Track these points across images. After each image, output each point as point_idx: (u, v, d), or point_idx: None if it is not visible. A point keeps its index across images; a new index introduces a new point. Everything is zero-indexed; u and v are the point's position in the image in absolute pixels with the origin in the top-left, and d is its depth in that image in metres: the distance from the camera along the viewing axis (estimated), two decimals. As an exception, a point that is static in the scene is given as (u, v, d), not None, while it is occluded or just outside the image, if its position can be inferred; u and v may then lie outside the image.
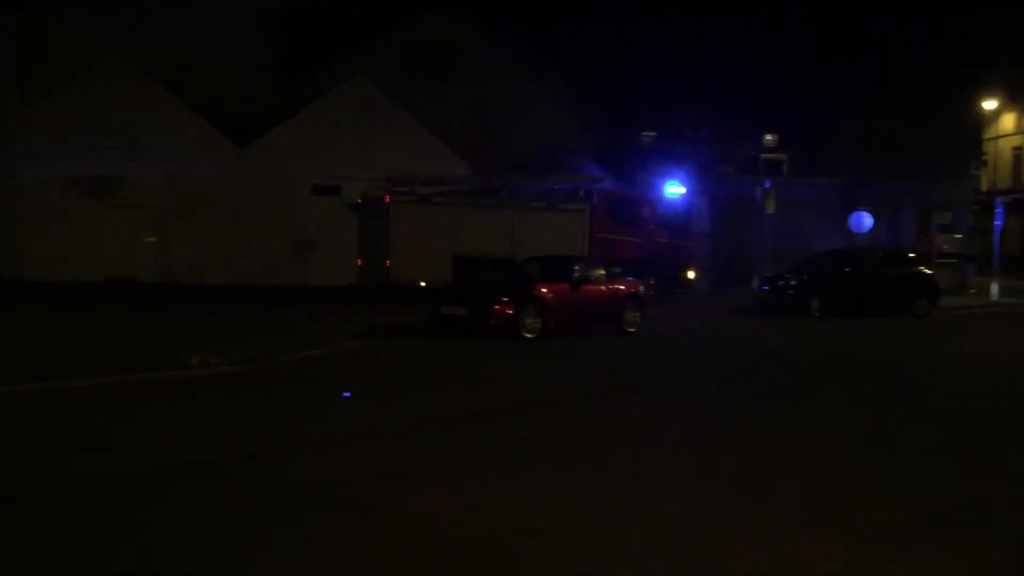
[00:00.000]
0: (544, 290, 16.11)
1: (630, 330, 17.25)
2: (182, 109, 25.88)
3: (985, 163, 56.25)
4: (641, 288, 18.28)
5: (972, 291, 31.77)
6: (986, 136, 56.07)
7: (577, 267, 17.05)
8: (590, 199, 22.99)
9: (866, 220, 30.29)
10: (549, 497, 6.46)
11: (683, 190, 26.63)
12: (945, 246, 37.81)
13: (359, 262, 23.28)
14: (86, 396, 10.15)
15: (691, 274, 25.79)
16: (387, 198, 22.27)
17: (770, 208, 27.00)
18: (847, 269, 23.24)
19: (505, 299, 15.62)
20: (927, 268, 24.79)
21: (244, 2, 32.30)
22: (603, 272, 17.56)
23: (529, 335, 15.59)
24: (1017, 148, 54.04)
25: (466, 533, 5.69)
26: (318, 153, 26.09)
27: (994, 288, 29.99)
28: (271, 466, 7.29)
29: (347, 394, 10.44)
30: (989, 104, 47.93)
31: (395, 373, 12.59)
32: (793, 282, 22.33)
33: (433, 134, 27.79)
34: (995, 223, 31.47)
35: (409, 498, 6.41)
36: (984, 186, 55.31)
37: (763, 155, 57.19)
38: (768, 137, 58.85)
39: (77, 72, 25.49)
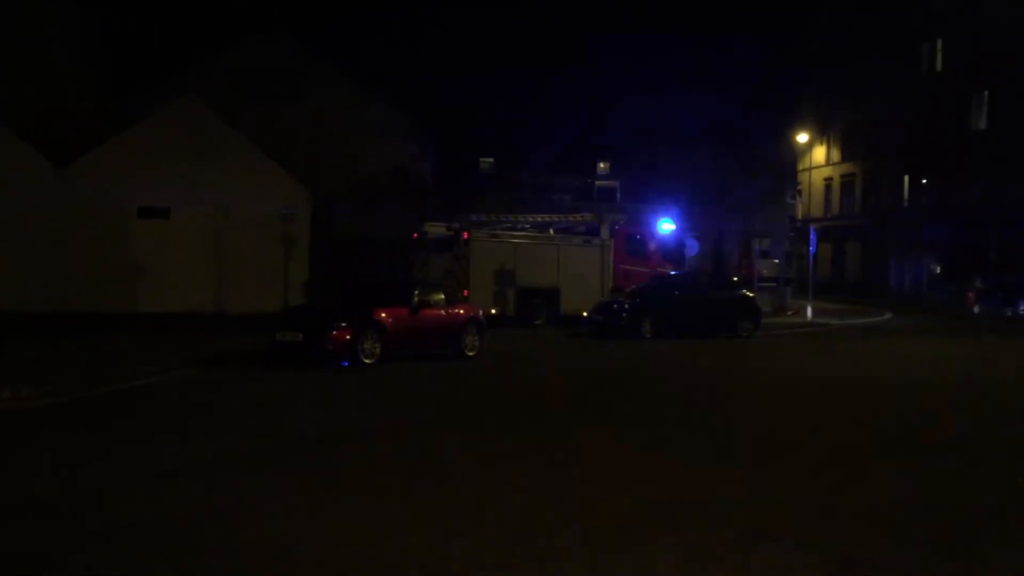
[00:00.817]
0: (383, 315, 15.99)
1: (470, 354, 17.37)
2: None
3: (800, 192, 60.05)
4: (480, 312, 18.47)
5: (790, 312, 33.80)
6: (800, 167, 59.89)
7: (416, 291, 17.04)
8: (612, 236, 27.28)
9: (692, 244, 31.85)
10: (368, 529, 6.43)
11: (674, 226, 30.83)
12: (765, 270, 40.06)
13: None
14: None
15: None
16: (465, 235, 24.89)
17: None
18: (676, 292, 24.25)
19: (343, 324, 15.41)
20: (749, 291, 26.26)
21: (69, 19, 30.79)
22: (442, 296, 17.64)
23: (368, 360, 15.44)
24: (828, 179, 58.01)
25: (296, 570, 5.59)
26: (145, 175, 25.02)
27: (809, 309, 32.04)
28: (93, 503, 6.92)
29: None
30: (802, 137, 51.35)
31: (221, 404, 12.13)
32: (626, 305, 23.11)
33: (270, 158, 27.22)
34: (809, 249, 33.67)
35: (238, 533, 6.24)
36: (799, 214, 59.02)
37: (597, 182, 59.00)
38: (601, 165, 60.79)
39: None
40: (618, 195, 57.60)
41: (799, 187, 60.08)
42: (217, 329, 20.94)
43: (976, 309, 37.85)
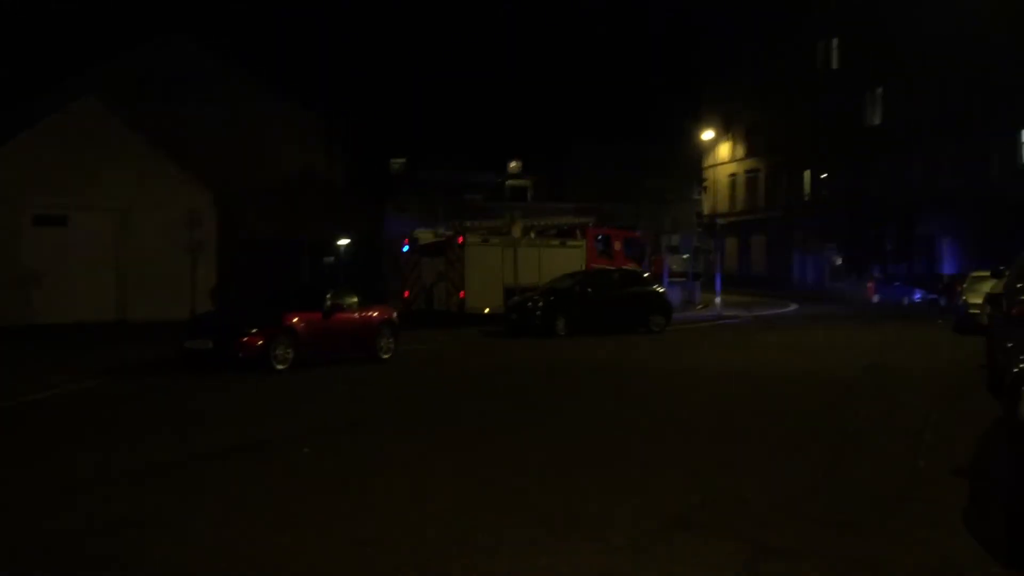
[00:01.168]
0: (296, 319, 15.74)
1: (384, 356, 17.22)
2: None
3: (705, 189, 61.33)
4: (394, 314, 18.33)
5: (699, 307, 34.51)
6: (706, 164, 61.17)
7: (329, 295, 16.81)
8: (584, 237, 29.05)
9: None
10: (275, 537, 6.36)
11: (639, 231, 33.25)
12: (674, 266, 40.82)
13: (405, 294, 27.22)
14: None
15: None
16: (460, 239, 26.30)
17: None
18: (589, 290, 24.48)
19: (254, 330, 15.11)
20: (660, 287, 26.75)
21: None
22: (355, 299, 17.44)
23: (281, 366, 15.18)
24: (732, 174, 59.39)
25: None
26: (40, 180, 24.05)
27: (717, 303, 32.75)
28: (6, 519, 6.65)
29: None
30: (707, 134, 52.47)
31: (130, 414, 11.74)
32: (540, 303, 23.21)
33: (173, 160, 26.50)
34: (715, 244, 34.47)
35: (155, 550, 6.08)
36: (706, 209, 60.29)
37: (508, 181, 59.15)
38: (512, 164, 60.93)
39: None
40: (529, 194, 57.88)
41: (705, 183, 61.39)
42: (121, 338, 20.34)
43: (875, 299, 39.28)
